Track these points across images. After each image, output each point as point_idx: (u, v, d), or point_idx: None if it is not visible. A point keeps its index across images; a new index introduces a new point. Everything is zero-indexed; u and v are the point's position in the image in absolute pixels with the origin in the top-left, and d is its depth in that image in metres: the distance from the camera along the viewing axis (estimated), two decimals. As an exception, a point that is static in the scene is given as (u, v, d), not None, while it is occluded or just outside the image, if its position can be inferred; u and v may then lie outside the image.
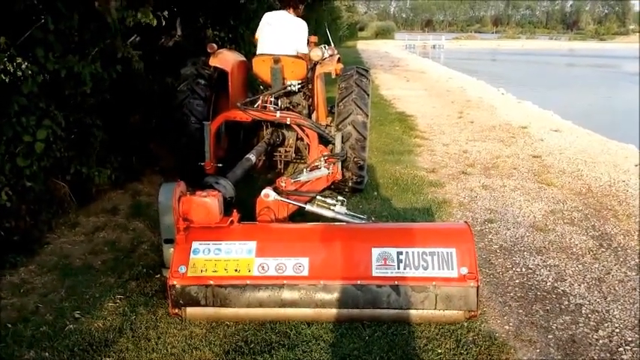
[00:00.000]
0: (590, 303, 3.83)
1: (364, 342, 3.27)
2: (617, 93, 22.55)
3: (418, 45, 60.04)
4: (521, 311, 3.71)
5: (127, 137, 6.10)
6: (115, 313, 3.55)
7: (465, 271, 3.37)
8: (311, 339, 3.30)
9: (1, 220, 4.15)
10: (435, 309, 3.39)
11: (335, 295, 3.38)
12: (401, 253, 3.45)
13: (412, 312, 3.41)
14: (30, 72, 4.22)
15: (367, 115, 5.52)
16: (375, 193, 6.04)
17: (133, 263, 4.28)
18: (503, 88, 18.08)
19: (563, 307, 3.78)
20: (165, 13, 4.79)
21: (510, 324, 3.55)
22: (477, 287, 3.35)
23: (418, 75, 22.74)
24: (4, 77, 4.10)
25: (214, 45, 5.77)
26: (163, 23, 4.81)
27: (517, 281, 4.14)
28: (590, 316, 3.66)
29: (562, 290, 4.00)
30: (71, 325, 3.38)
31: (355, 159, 5.47)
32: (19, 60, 4.08)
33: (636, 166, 7.57)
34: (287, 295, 3.39)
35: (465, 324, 3.46)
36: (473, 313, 3.43)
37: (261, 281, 3.40)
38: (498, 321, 3.59)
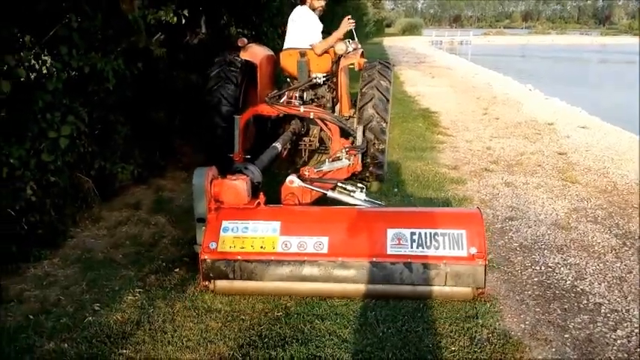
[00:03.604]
0: (609, 302, 3.77)
1: (378, 338, 3.28)
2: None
3: (445, 41, 59.43)
4: (538, 310, 3.67)
5: (150, 134, 6.20)
6: (133, 306, 3.62)
7: (474, 250, 3.57)
8: (325, 334, 3.32)
9: (26, 214, 4.26)
10: (445, 285, 3.59)
11: (352, 272, 3.62)
12: (414, 233, 3.67)
13: (423, 288, 3.61)
14: (54, 69, 4.34)
15: (388, 100, 5.70)
16: (396, 190, 6.03)
17: (153, 257, 4.36)
18: (531, 84, 17.81)
19: (581, 306, 3.72)
20: (186, 11, 4.85)
21: (527, 322, 3.51)
22: (485, 266, 3.55)
23: (444, 71, 22.53)
24: (29, 75, 4.22)
25: (244, 39, 6.10)
26: (183, 21, 4.87)
27: (536, 279, 4.09)
28: (609, 315, 3.60)
29: (581, 289, 3.94)
30: (90, 317, 3.45)
31: (375, 143, 5.60)
32: (44, 57, 4.20)
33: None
34: (307, 270, 3.64)
35: (480, 321, 3.45)
36: (481, 290, 3.66)
37: (284, 257, 3.66)
38: (515, 319, 3.55)
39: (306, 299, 3.71)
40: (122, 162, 5.47)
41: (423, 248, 3.61)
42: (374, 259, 3.60)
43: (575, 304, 3.75)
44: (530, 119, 10.76)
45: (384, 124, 5.62)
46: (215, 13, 9.00)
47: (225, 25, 9.34)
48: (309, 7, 6.06)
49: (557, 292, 3.91)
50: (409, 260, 3.58)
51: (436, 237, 3.64)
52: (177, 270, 4.09)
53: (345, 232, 3.77)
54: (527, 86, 17.48)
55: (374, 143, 5.59)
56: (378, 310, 3.58)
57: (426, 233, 3.66)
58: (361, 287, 3.64)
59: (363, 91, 5.71)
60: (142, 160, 5.83)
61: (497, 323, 3.46)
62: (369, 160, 5.65)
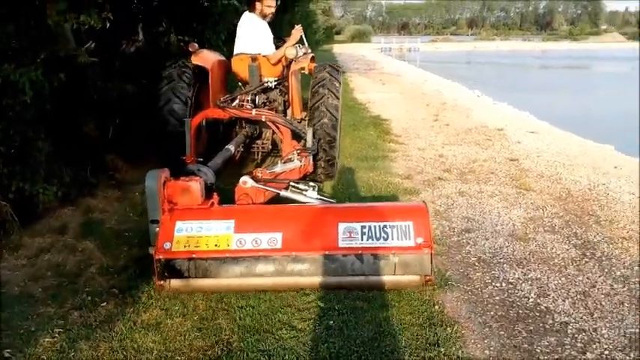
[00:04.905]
0: (576, 321, 3.53)
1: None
2: (590, 93, 22.63)
3: (394, 48, 59.94)
4: (502, 332, 3.40)
5: (79, 149, 5.68)
6: (51, 349, 3.15)
7: (420, 240, 3.73)
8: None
9: None
10: (395, 274, 3.73)
11: (305, 265, 3.74)
12: (364, 226, 3.81)
13: (374, 278, 3.75)
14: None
15: (338, 99, 5.82)
16: (347, 203, 5.71)
17: (77, 290, 3.86)
18: (479, 90, 17.94)
19: (547, 326, 3.47)
20: (110, 15, 4.40)
21: (491, 348, 3.23)
22: (431, 254, 3.71)
23: (394, 78, 22.52)
24: None
25: (195, 44, 6.09)
26: (107, 25, 4.42)
27: (497, 298, 3.83)
28: (576, 336, 3.36)
29: (545, 307, 3.70)
30: (-3, 368, 2.98)
31: (327, 140, 5.70)
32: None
33: (615, 167, 7.38)
34: (262, 266, 3.73)
35: (442, 349, 3.15)
36: (428, 278, 3.78)
37: (239, 254, 3.73)
38: (478, 345, 3.27)
39: (250, 331, 3.34)
40: (46, 181, 4.93)
41: (373, 240, 3.75)
42: (326, 252, 3.73)
43: (541, 324, 3.49)
44: (481, 125, 10.68)
45: (335, 122, 5.72)
46: (153, 19, 8.53)
47: (165, 32, 8.86)
48: (260, 13, 6.06)
49: (520, 311, 3.65)
50: (360, 252, 3.72)
51: (385, 229, 3.78)
52: (103, 304, 3.63)
53: (298, 227, 3.87)
54: (475, 92, 17.60)
55: (326, 141, 5.66)
56: (331, 342, 3.24)
57: (375, 226, 3.80)
58: (315, 280, 3.74)
59: (313, 90, 5.82)
60: (69, 178, 5.29)
61: (460, 351, 3.17)
62: (321, 158, 5.73)
